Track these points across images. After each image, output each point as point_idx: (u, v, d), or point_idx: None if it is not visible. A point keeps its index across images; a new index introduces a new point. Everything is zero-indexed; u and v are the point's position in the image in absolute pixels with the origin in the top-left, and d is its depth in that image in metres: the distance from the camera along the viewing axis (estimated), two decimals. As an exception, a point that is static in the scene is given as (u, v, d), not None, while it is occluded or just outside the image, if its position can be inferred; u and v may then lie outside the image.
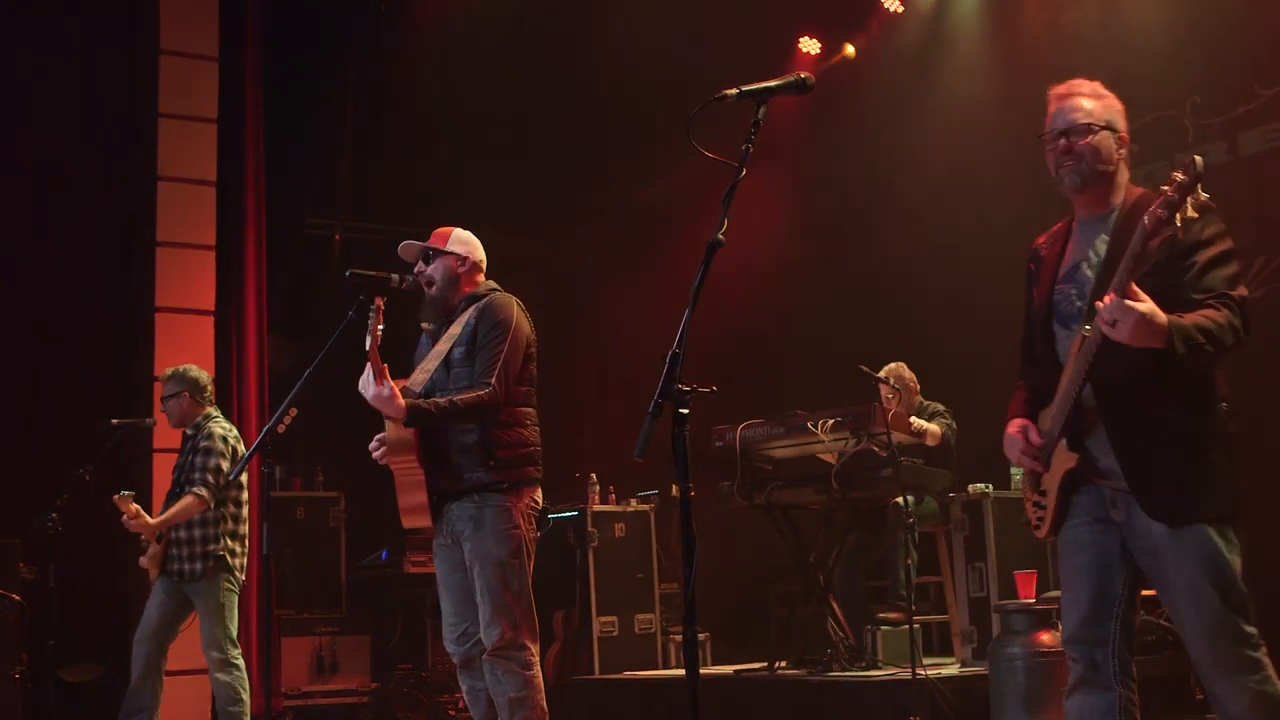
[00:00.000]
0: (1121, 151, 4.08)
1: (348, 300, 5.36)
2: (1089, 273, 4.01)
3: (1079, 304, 4.00)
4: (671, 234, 10.89)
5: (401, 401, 5.26)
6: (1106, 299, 3.67)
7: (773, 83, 3.64)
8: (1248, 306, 3.81)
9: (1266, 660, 3.79)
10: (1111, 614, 3.96)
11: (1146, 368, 3.75)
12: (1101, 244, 4.01)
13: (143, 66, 10.00)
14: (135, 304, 9.94)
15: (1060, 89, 4.19)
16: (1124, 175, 4.11)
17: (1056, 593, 6.81)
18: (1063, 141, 4.09)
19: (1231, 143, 8.55)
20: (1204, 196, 3.62)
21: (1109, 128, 4.07)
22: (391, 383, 5.25)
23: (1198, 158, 3.58)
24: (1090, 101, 4.12)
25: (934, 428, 8.10)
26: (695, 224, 8.70)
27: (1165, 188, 3.61)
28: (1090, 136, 4.05)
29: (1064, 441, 3.98)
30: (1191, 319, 3.70)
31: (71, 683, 8.89)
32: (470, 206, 7.89)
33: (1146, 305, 3.63)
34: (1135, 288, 3.66)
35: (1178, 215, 3.59)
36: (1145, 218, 3.63)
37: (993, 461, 8.28)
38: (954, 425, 8.38)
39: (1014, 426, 4.15)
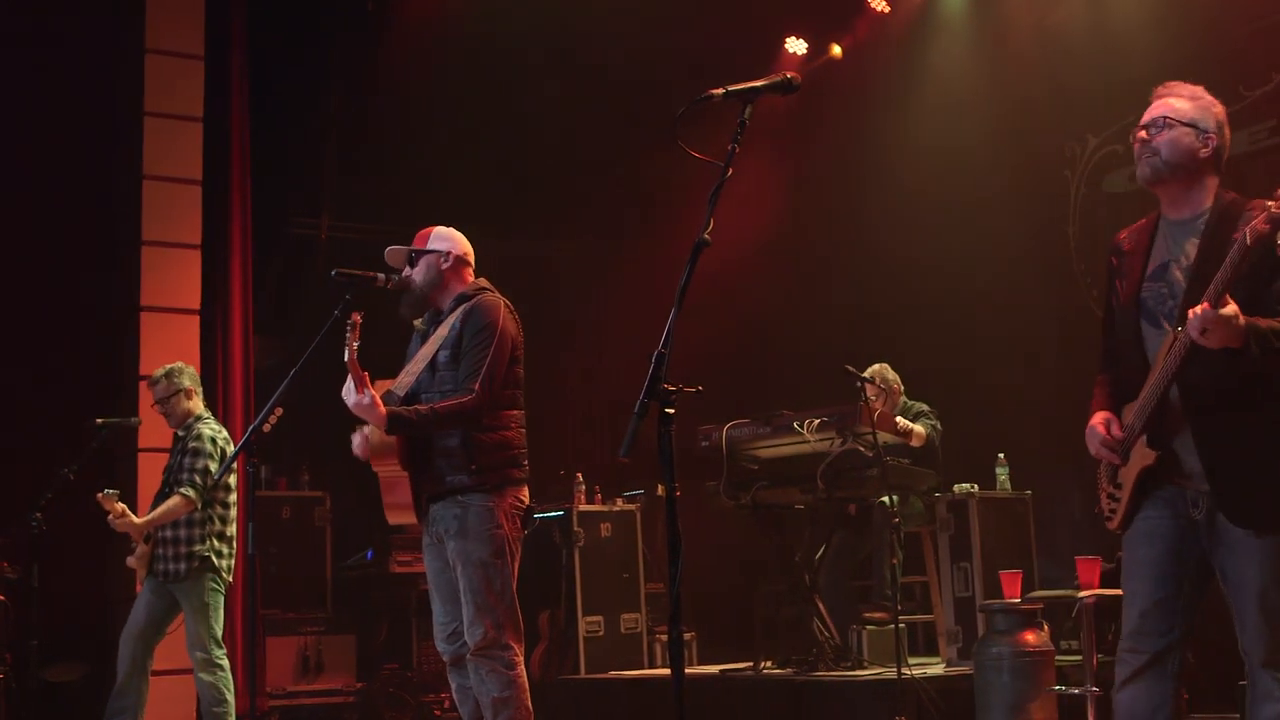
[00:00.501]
0: (1205, 152, 4.10)
1: (333, 300, 5.35)
2: (1179, 275, 4.06)
3: (1170, 304, 4.06)
4: (658, 234, 10.89)
5: (383, 410, 5.25)
6: (1201, 307, 3.72)
7: (759, 83, 3.64)
8: None
9: None
10: (1178, 608, 4.03)
11: (1234, 374, 3.85)
12: (1191, 246, 4.06)
13: (128, 65, 9.97)
14: (120, 303, 9.91)
15: (1160, 88, 4.25)
16: (1213, 179, 4.15)
17: (1042, 592, 6.85)
18: (1143, 134, 4.16)
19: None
20: None
21: (1193, 125, 4.11)
22: (372, 391, 5.24)
23: None
24: (1180, 100, 4.18)
25: (919, 428, 8.11)
26: (682, 224, 8.72)
27: (1270, 203, 3.67)
28: (1166, 131, 4.11)
29: (1144, 438, 4.03)
30: (1268, 323, 3.79)
31: (55, 683, 8.87)
32: (456, 206, 7.85)
33: (1231, 308, 3.70)
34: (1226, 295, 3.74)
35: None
36: (1247, 231, 3.69)
37: (978, 461, 8.33)
38: (939, 426, 8.39)
39: (1097, 419, 4.21)
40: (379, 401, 5.25)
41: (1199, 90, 4.21)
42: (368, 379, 5.23)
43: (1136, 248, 4.23)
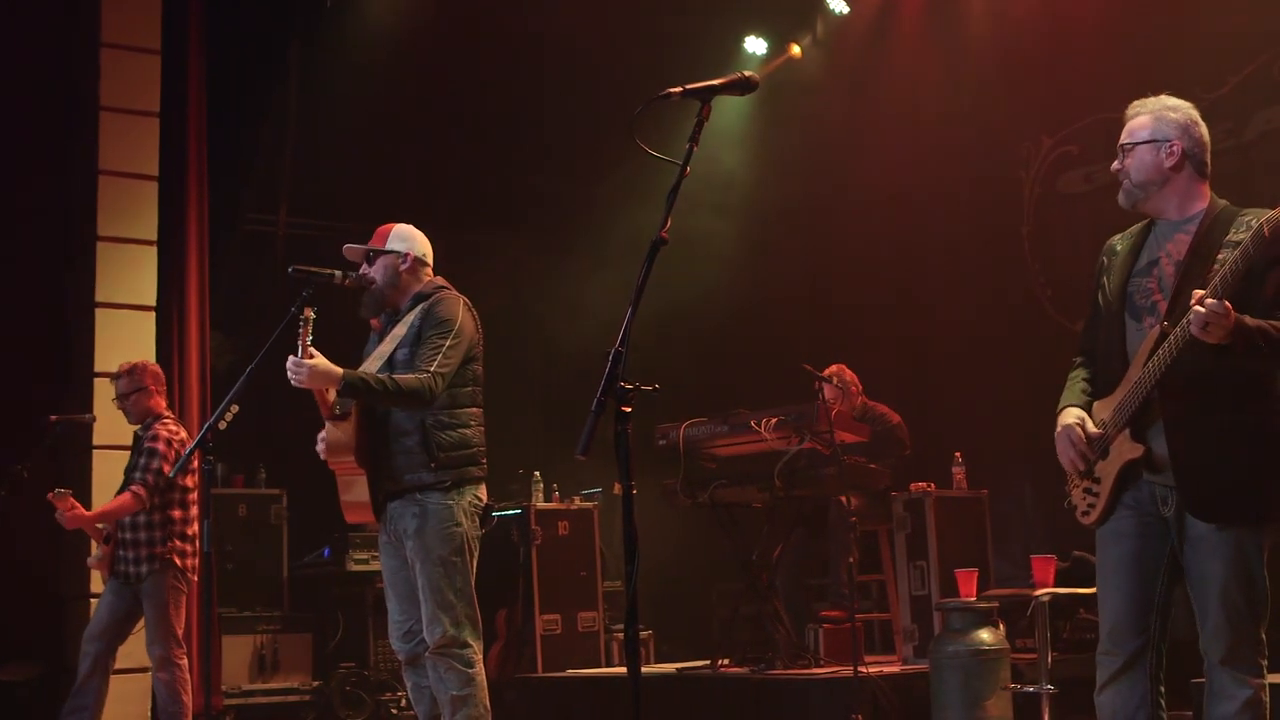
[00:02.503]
0: (1170, 161, 4.13)
1: (291, 297, 5.32)
2: (1170, 269, 4.08)
3: (1155, 298, 4.09)
4: (616, 231, 10.88)
5: (337, 369, 5.20)
6: (1208, 302, 3.71)
7: (716, 81, 3.64)
8: None
9: (1266, 665, 3.97)
10: (1152, 608, 4.06)
11: (1216, 371, 3.87)
12: (1182, 243, 4.09)
13: (83, 59, 9.90)
14: (75, 299, 9.84)
15: (1130, 108, 4.29)
16: (1197, 181, 4.17)
17: (998, 590, 6.88)
18: (1115, 165, 4.24)
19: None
20: None
21: (1150, 141, 4.15)
22: (322, 357, 5.18)
23: None
24: (1139, 119, 4.23)
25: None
26: (640, 221, 8.72)
27: None
28: (1130, 157, 4.19)
29: (1128, 432, 4.05)
30: (1256, 322, 3.80)
31: (7, 681, 8.80)
32: (414, 202, 7.88)
33: (1226, 304, 3.73)
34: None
35: None
36: (1265, 223, 3.74)
37: (934, 460, 8.37)
38: (904, 427, 8.47)
39: (1071, 418, 4.21)
40: (328, 363, 5.18)
41: (1162, 101, 4.24)
42: (314, 351, 5.17)
43: (1128, 247, 4.26)
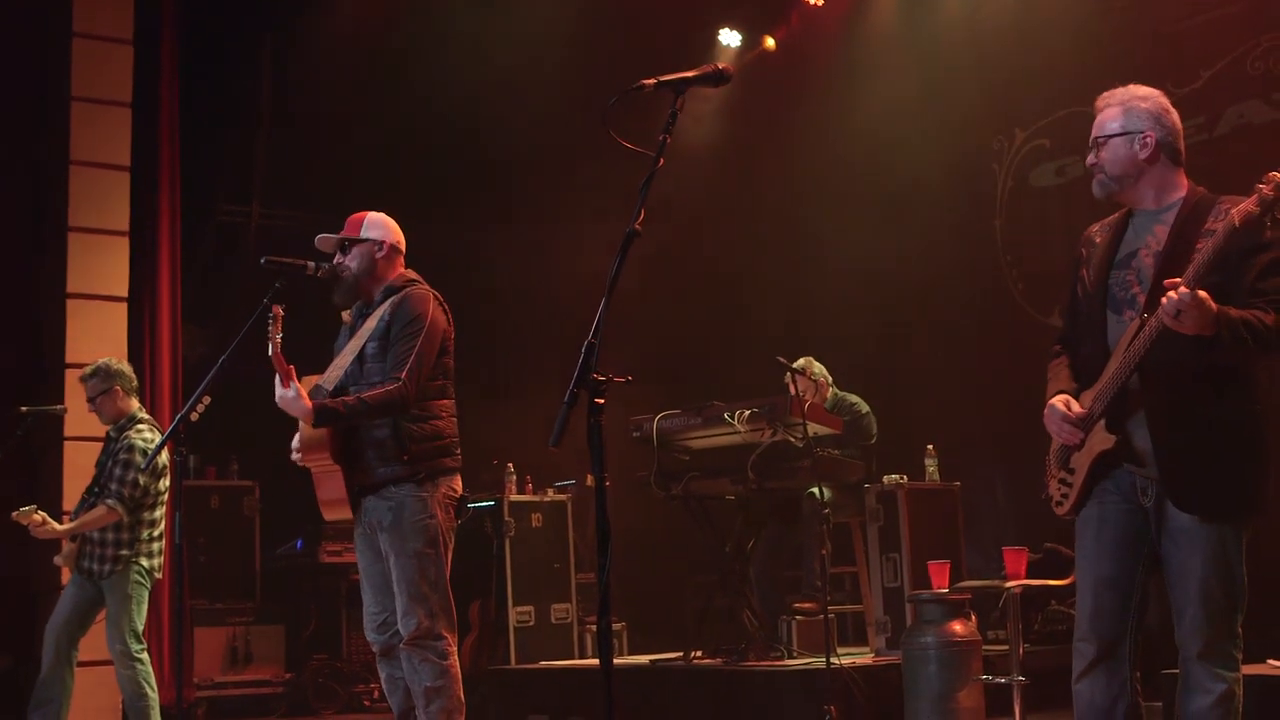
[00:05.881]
0: (1144, 153, 4.10)
1: (263, 288, 5.30)
2: (1149, 261, 4.06)
3: (1134, 291, 4.06)
4: (590, 222, 10.87)
5: (309, 404, 5.21)
6: (1179, 290, 3.69)
7: (690, 74, 3.63)
8: None
9: (1241, 658, 3.95)
10: (1132, 595, 4.04)
11: (1193, 360, 3.85)
12: (1161, 234, 4.06)
13: (55, 49, 9.86)
14: (47, 290, 9.80)
15: (1098, 100, 4.26)
16: (1173, 171, 4.15)
17: (970, 582, 6.90)
18: (1090, 158, 4.21)
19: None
20: None
21: (1123, 133, 4.12)
22: (298, 384, 5.21)
23: None
24: (1109, 111, 4.20)
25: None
26: (613, 213, 8.71)
27: (1262, 186, 3.69)
28: (1103, 150, 4.16)
29: (1103, 423, 4.03)
30: (1239, 313, 3.78)
31: (-22, 674, 8.78)
32: (387, 193, 7.82)
33: (1203, 294, 3.70)
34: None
35: (1268, 217, 3.70)
36: (1234, 213, 3.72)
37: (907, 453, 8.39)
38: (862, 408, 8.47)
39: (1057, 398, 4.18)
40: (304, 395, 5.22)
41: (1131, 91, 4.20)
42: (293, 372, 5.20)
43: (1107, 239, 4.23)
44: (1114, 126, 4.15)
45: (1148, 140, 4.10)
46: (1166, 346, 3.85)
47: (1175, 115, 4.18)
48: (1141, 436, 3.98)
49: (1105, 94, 4.25)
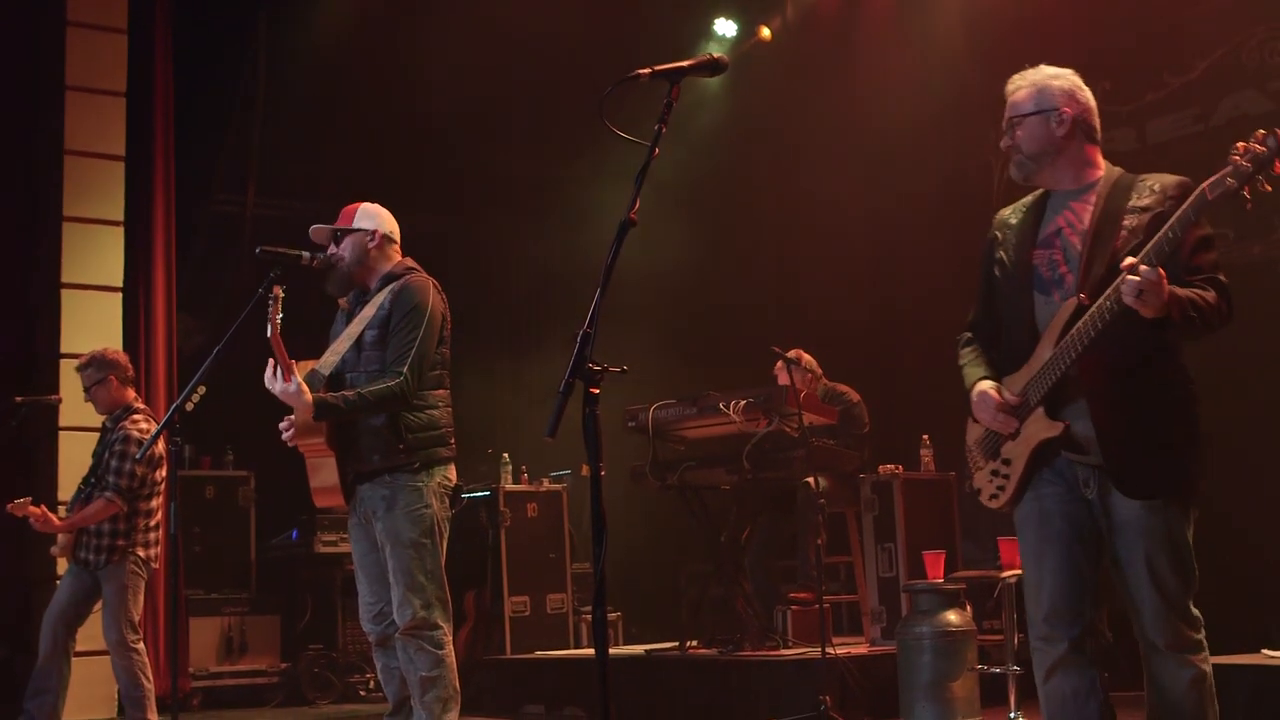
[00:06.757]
0: (1060, 130, 4.04)
1: (258, 278, 5.29)
2: (1074, 240, 3.96)
3: (1062, 271, 3.96)
4: (585, 213, 10.87)
5: (309, 397, 5.21)
6: (1140, 269, 3.58)
7: (686, 63, 3.62)
8: (1230, 292, 3.81)
9: (1206, 643, 3.87)
10: (1086, 589, 3.92)
11: (1141, 343, 3.77)
12: (1085, 213, 3.97)
13: (49, 38, 9.84)
14: (41, 280, 9.79)
15: (1008, 84, 4.19)
16: (1090, 147, 4.08)
17: (965, 572, 6.91)
18: (1005, 141, 4.14)
19: (1140, 130, 8.65)
20: None
21: (1038, 111, 4.06)
22: (299, 378, 5.21)
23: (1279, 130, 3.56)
24: (1020, 93, 4.13)
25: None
26: (609, 203, 8.70)
27: (1236, 157, 3.57)
28: (1018, 130, 4.09)
29: (1042, 410, 3.92)
30: (1187, 293, 3.71)
31: (-26, 664, 8.78)
32: (381, 182, 7.84)
33: (1161, 272, 3.61)
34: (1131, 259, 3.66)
35: (1246, 189, 3.57)
36: (1206, 188, 3.60)
37: (902, 443, 8.40)
38: (863, 405, 8.48)
39: (985, 385, 4.09)
40: (305, 388, 5.21)
41: (1042, 71, 4.14)
42: (294, 366, 5.19)
43: (1024, 219, 4.16)
44: (1028, 106, 4.07)
45: (1064, 116, 4.03)
46: (1118, 330, 3.74)
47: (1089, 93, 4.12)
48: (1083, 424, 3.87)
49: (1017, 75, 4.18)
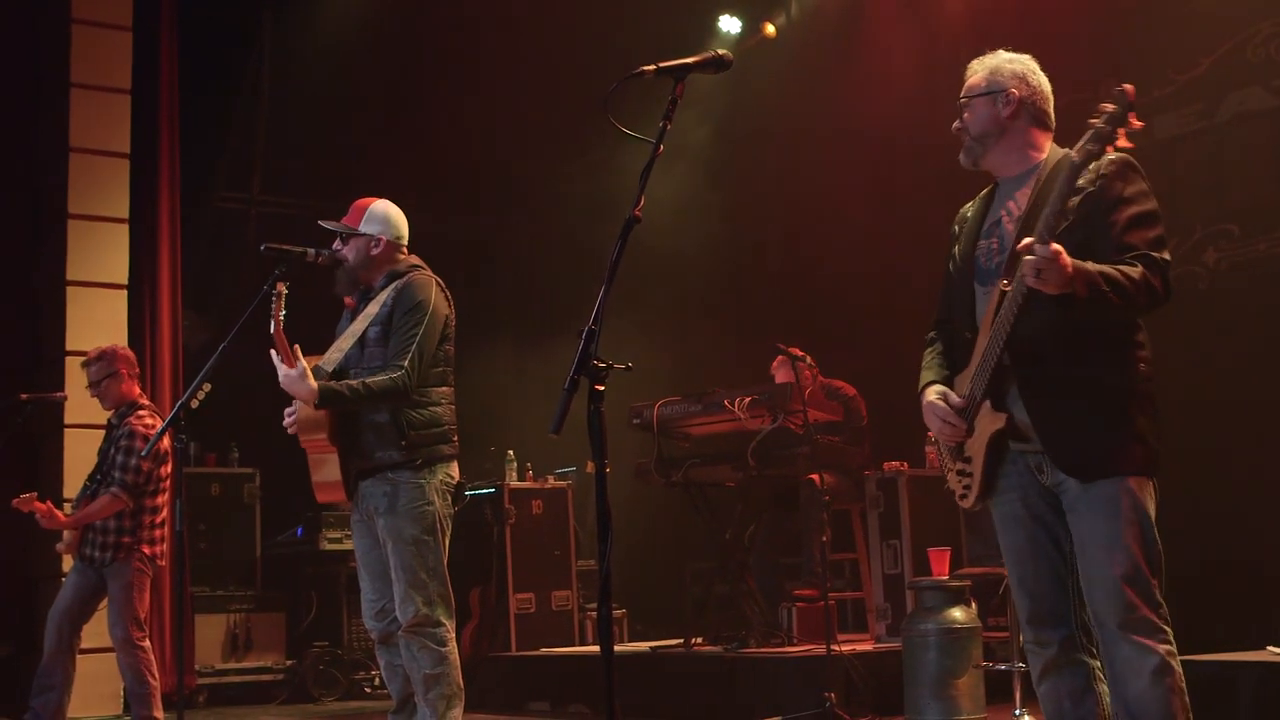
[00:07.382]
0: (1006, 110, 3.99)
1: (262, 275, 5.30)
2: (1010, 227, 3.91)
3: (998, 259, 3.90)
4: (591, 210, 10.87)
5: (313, 383, 5.21)
6: (1034, 246, 3.51)
7: (690, 60, 3.61)
8: (1170, 270, 3.71)
9: (1170, 631, 3.69)
10: (1067, 585, 3.84)
11: (1063, 324, 3.68)
12: (1023, 198, 3.92)
13: (54, 35, 9.85)
14: (47, 277, 9.80)
15: (967, 70, 4.15)
16: (1037, 132, 4.03)
17: (971, 569, 6.91)
18: (955, 124, 4.10)
19: (1145, 126, 8.65)
20: (1138, 124, 3.57)
21: (986, 93, 4.02)
22: (304, 362, 5.21)
23: (1128, 86, 3.53)
24: (973, 77, 4.09)
25: None
26: (615, 201, 8.71)
27: (1093, 120, 3.56)
28: (967, 112, 4.06)
29: (988, 403, 3.85)
30: (1098, 268, 3.59)
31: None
32: (387, 181, 7.82)
33: (1057, 247, 3.51)
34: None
35: (1109, 147, 3.55)
36: (1074, 152, 3.57)
37: (907, 440, 8.39)
38: (860, 397, 8.47)
39: (932, 393, 4.04)
40: (309, 375, 5.22)
41: (999, 54, 4.10)
42: (298, 351, 5.19)
43: (976, 211, 4.13)
44: (979, 88, 4.04)
45: (1010, 96, 3.99)
46: (1031, 312, 3.67)
47: (1044, 79, 4.07)
48: (1019, 410, 3.80)
49: (976, 60, 4.14)
